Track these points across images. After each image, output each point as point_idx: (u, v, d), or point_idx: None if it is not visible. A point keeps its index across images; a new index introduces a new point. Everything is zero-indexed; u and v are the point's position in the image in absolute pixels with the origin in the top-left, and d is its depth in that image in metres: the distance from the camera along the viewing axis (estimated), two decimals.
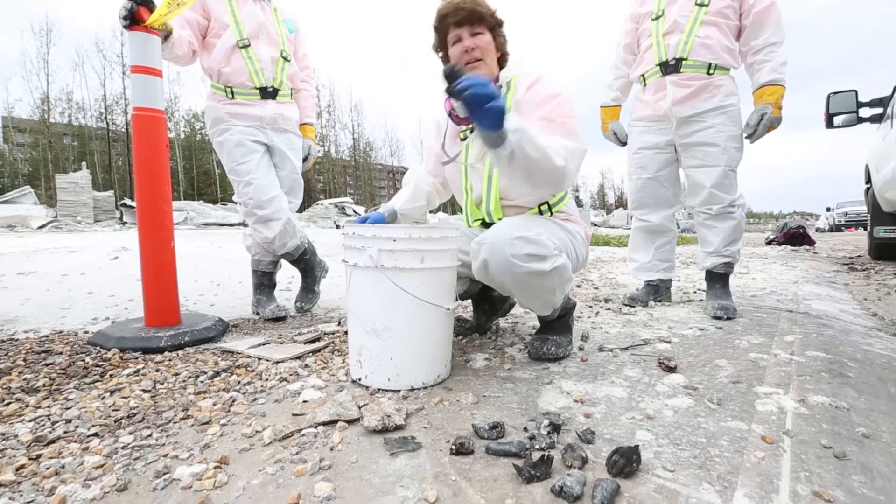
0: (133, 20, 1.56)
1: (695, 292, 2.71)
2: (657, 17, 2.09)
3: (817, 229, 22.18)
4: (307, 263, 2.27)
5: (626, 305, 2.27)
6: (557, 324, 1.47)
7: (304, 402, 1.09)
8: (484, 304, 1.74)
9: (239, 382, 1.25)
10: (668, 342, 1.60)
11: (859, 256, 5.81)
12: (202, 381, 1.26)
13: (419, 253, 1.13)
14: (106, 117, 26.30)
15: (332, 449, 0.88)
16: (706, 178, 2.05)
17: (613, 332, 1.76)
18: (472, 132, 1.45)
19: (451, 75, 1.05)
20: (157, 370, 1.36)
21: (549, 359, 1.38)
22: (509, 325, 1.86)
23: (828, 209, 23.80)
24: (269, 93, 2.05)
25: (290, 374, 1.31)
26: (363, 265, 1.14)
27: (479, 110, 1.01)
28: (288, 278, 3.10)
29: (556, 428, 0.92)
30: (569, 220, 1.50)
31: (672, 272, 2.38)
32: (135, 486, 0.77)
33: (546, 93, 1.32)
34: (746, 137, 2.02)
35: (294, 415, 1.03)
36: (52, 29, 25.36)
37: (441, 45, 1.44)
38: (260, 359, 1.45)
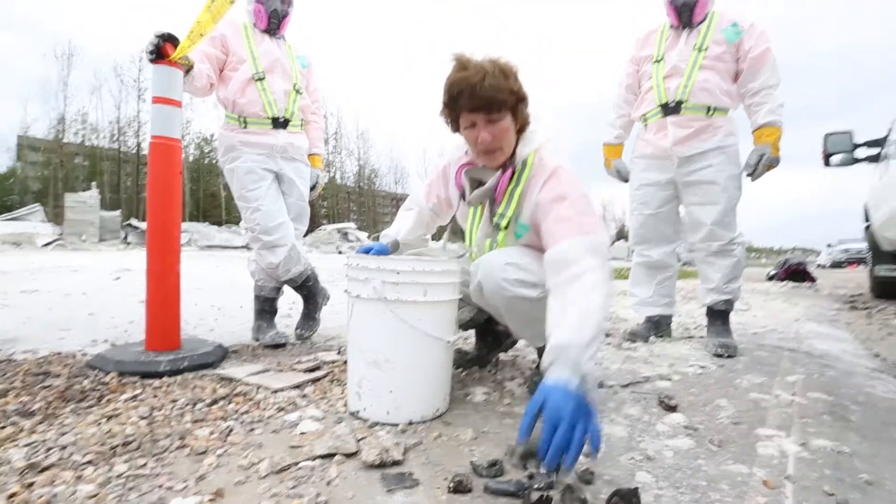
0: (158, 55, 1.64)
1: (696, 328, 2.70)
2: (657, 61, 2.17)
3: (818, 265, 22.13)
4: (310, 290, 2.28)
5: (626, 341, 2.27)
6: None
7: (302, 433, 1.09)
8: (488, 336, 1.74)
9: (237, 411, 1.25)
10: (669, 380, 1.59)
11: (860, 294, 5.79)
12: (200, 409, 1.25)
13: (422, 286, 1.15)
14: (118, 139, 26.90)
15: (328, 483, 0.87)
16: (707, 215, 2.08)
17: (614, 367, 1.75)
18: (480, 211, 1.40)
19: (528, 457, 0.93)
20: (154, 396, 1.36)
21: None
22: (509, 359, 1.86)
23: (828, 245, 23.82)
24: (280, 122, 2.11)
25: (289, 404, 1.30)
26: (366, 296, 1.15)
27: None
28: (289, 304, 3.10)
29: (556, 468, 0.91)
30: None
31: (673, 307, 2.39)
32: None
33: (559, 192, 1.22)
34: (747, 176, 2.06)
35: (291, 447, 1.02)
36: (73, 54, 26.28)
37: (451, 118, 1.29)
38: (259, 387, 1.44)
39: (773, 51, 2.01)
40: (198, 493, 0.83)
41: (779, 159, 1.99)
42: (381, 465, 0.93)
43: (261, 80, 2.04)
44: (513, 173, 1.31)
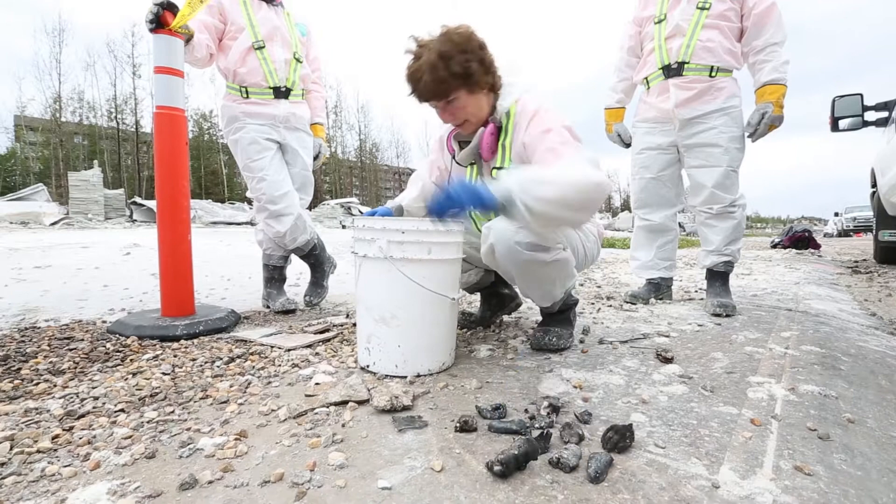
0: (158, 24, 1.64)
1: (696, 291, 2.75)
2: (659, 21, 2.14)
3: (825, 234, 21.95)
4: (316, 259, 2.33)
5: (627, 302, 2.32)
6: (559, 317, 1.52)
7: (317, 384, 1.15)
8: (492, 298, 1.80)
9: (253, 367, 1.31)
10: (667, 336, 1.64)
11: (864, 260, 5.80)
12: (218, 366, 1.32)
13: (426, 245, 1.19)
14: (116, 117, 26.63)
15: (343, 426, 0.94)
16: (708, 178, 2.09)
17: (614, 326, 1.81)
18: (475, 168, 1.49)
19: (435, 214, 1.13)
20: (174, 356, 1.43)
21: (551, 349, 1.43)
22: (513, 320, 1.92)
23: (836, 214, 23.55)
24: (282, 92, 2.12)
25: (302, 361, 1.37)
26: (373, 256, 1.20)
27: (471, 208, 1.09)
28: (297, 274, 3.17)
29: (555, 409, 0.97)
30: None
31: (673, 271, 2.42)
32: (162, 455, 0.83)
33: (543, 128, 1.30)
34: (748, 136, 2.06)
35: (307, 396, 1.09)
36: (64, 29, 25.73)
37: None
38: (272, 347, 1.51)
39: (778, 6, 1.97)
40: (223, 434, 0.90)
41: (782, 118, 1.98)
42: (392, 410, 0.99)
43: (261, 48, 2.04)
44: (498, 128, 1.37)
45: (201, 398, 1.09)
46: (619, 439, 0.82)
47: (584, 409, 0.98)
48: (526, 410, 1.00)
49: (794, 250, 6.96)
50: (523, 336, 1.63)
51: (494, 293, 1.80)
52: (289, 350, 1.47)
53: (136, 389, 1.13)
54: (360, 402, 1.04)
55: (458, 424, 0.91)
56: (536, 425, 0.92)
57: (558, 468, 0.76)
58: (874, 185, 4.96)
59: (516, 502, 0.68)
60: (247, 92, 2.06)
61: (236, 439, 0.88)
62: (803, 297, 2.57)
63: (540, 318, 1.58)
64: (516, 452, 0.75)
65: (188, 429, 0.93)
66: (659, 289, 2.39)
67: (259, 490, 0.71)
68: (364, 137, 41.14)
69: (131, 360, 1.39)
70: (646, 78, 2.23)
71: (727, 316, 1.99)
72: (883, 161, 4.30)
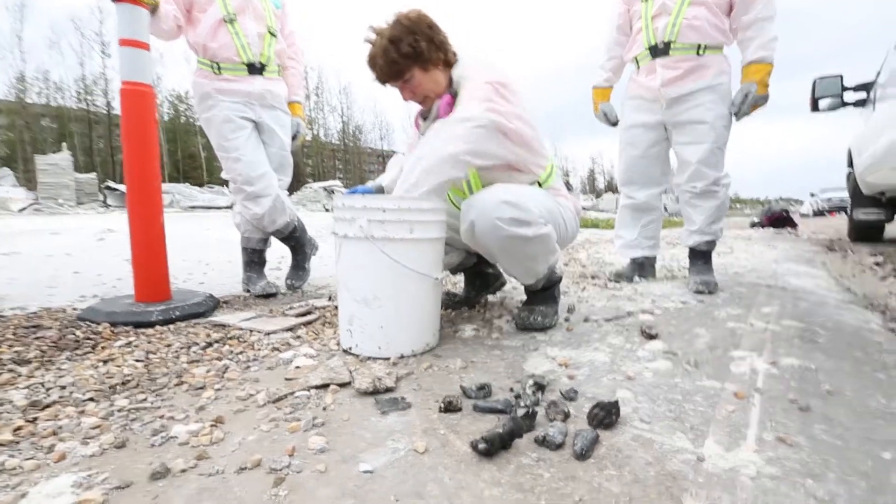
0: None
1: (679, 270, 2.77)
2: (646, 0, 2.09)
3: (801, 214, 22.50)
4: (297, 241, 2.27)
5: (611, 281, 2.33)
6: (543, 295, 1.50)
7: (297, 368, 1.12)
8: (476, 278, 1.78)
9: (231, 352, 1.27)
10: (651, 314, 1.65)
11: (840, 239, 5.95)
12: (195, 351, 1.28)
13: (408, 224, 1.15)
14: (85, 98, 25.51)
15: (324, 409, 0.91)
16: (692, 154, 2.08)
17: (599, 305, 1.81)
18: None
19: None
20: (149, 342, 1.38)
21: (536, 328, 1.42)
22: (497, 299, 1.90)
23: (812, 195, 24.11)
24: (256, 68, 2.02)
25: (282, 345, 1.33)
26: (353, 236, 1.16)
27: None
28: (278, 258, 3.10)
29: (540, 387, 0.96)
30: (559, 195, 1.53)
31: (657, 250, 2.44)
32: (133, 444, 0.79)
33: (468, 86, 1.35)
34: (733, 115, 2.05)
35: (287, 379, 1.06)
36: (25, 4, 24.37)
37: None
38: (251, 331, 1.47)
39: None
40: (198, 420, 0.87)
41: (767, 97, 1.97)
42: (375, 392, 0.97)
43: (231, 21, 1.93)
44: (454, 97, 1.38)
45: (176, 384, 1.05)
46: (605, 416, 0.81)
47: (570, 387, 0.97)
48: (511, 389, 0.99)
49: (772, 229, 7.11)
50: (508, 315, 1.62)
51: (478, 273, 1.78)
52: (269, 334, 1.43)
53: (107, 377, 1.08)
54: (342, 385, 1.01)
55: (442, 405, 0.89)
56: (522, 404, 0.90)
57: (544, 446, 0.75)
58: (850, 165, 5.06)
59: (502, 481, 0.66)
60: (219, 68, 1.96)
61: (212, 426, 0.84)
62: (782, 274, 2.62)
63: (524, 297, 1.57)
64: (501, 431, 0.73)
65: (161, 416, 0.89)
66: (643, 268, 2.40)
67: (235, 477, 0.68)
68: (347, 120, 40.37)
69: (102, 347, 1.34)
70: (635, 57, 2.20)
71: (709, 293, 2.01)
72: (860, 141, 4.38)
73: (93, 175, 11.52)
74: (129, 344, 1.35)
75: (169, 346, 1.34)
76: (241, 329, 1.50)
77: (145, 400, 0.97)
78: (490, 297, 1.94)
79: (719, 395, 0.96)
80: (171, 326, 1.58)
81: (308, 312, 1.68)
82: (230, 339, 1.40)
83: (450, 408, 0.89)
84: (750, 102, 1.96)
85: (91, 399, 0.97)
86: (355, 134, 41.94)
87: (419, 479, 0.67)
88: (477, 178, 1.45)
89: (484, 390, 0.96)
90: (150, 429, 0.84)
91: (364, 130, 43.30)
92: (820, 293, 2.16)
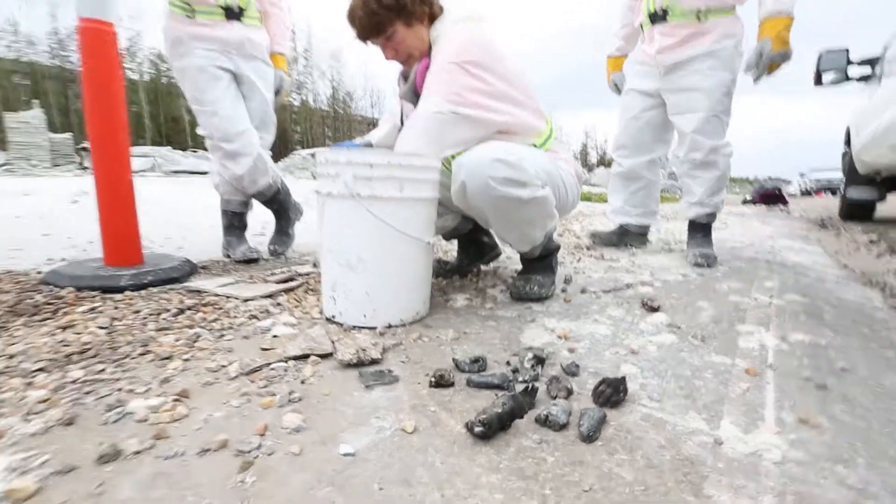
0: None
1: (676, 243, 2.71)
2: None
3: (789, 194, 22.68)
4: (280, 204, 2.15)
5: (592, 241, 2.40)
6: (540, 264, 1.42)
7: (274, 337, 1.03)
8: (471, 246, 1.68)
9: (205, 319, 1.18)
10: (651, 286, 1.58)
11: (830, 218, 5.96)
12: (165, 319, 1.18)
13: (398, 181, 1.04)
14: (59, 53, 24.17)
15: (303, 382, 0.83)
16: (688, 124, 2.00)
17: (596, 276, 1.74)
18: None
19: None
20: (115, 308, 1.27)
21: (532, 298, 1.35)
22: (491, 269, 1.82)
23: (801, 174, 24.22)
24: (234, 13, 1.84)
25: (261, 312, 1.23)
26: (337, 194, 1.05)
27: None
28: (261, 224, 2.97)
29: (539, 361, 0.88)
30: (559, 158, 1.42)
31: (647, 219, 2.42)
32: (83, 421, 0.70)
33: (434, 63, 1.25)
34: (753, 79, 1.92)
35: (263, 349, 0.97)
36: None
37: None
38: (228, 297, 1.37)
39: None
40: (161, 394, 0.78)
41: (786, 54, 1.80)
42: (359, 364, 0.89)
43: None
44: (430, 61, 1.28)
45: (140, 354, 0.96)
46: (613, 393, 0.74)
47: (571, 361, 0.90)
48: (508, 363, 0.91)
49: (764, 206, 7.11)
50: (503, 285, 1.53)
51: (473, 241, 1.68)
52: (246, 300, 1.33)
53: (63, 346, 0.98)
54: (323, 356, 0.93)
55: (432, 379, 0.81)
56: (520, 379, 0.83)
57: (546, 426, 0.68)
58: (848, 143, 5.00)
59: (500, 466, 0.59)
60: (192, 11, 1.78)
61: (175, 400, 0.75)
62: (779, 250, 2.58)
63: (519, 268, 1.49)
64: (500, 411, 0.65)
65: (119, 389, 0.80)
66: (627, 234, 2.40)
67: (196, 460, 0.60)
68: (337, 85, 39.10)
69: (64, 313, 1.23)
70: (640, 24, 2.11)
71: (708, 266, 1.95)
72: (860, 119, 4.29)
73: (68, 135, 11.01)
74: (92, 310, 1.25)
75: (137, 312, 1.23)
76: (217, 295, 1.40)
77: (103, 371, 0.87)
78: (482, 267, 1.86)
79: (730, 371, 0.90)
80: (143, 292, 1.47)
81: (290, 279, 1.58)
82: (204, 305, 1.30)
83: (441, 382, 0.81)
84: (766, 62, 1.82)
85: (42, 370, 0.87)
86: (345, 101, 40.74)
87: (407, 462, 0.60)
88: None
89: (478, 363, 0.88)
90: (105, 404, 0.74)
91: (355, 97, 42.03)
92: (819, 269, 2.12)
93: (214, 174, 2.02)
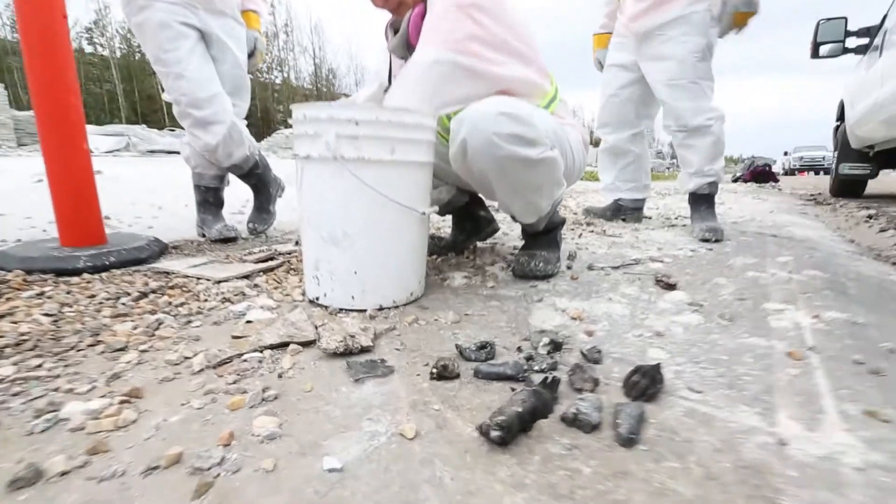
0: None
1: (676, 218, 2.62)
2: None
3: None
4: (259, 179, 1.98)
5: (585, 217, 2.36)
6: (545, 239, 1.30)
7: (249, 323, 0.90)
8: (466, 222, 1.55)
9: (170, 304, 1.03)
10: (661, 262, 1.48)
11: (819, 194, 5.95)
12: (123, 304, 1.03)
13: (388, 142, 0.90)
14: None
15: (280, 376, 0.70)
16: (668, 94, 1.92)
17: (600, 252, 1.63)
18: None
19: None
20: (67, 293, 1.12)
21: (537, 276, 1.22)
22: (488, 246, 1.69)
23: (785, 153, 24.40)
24: None
25: (235, 295, 1.10)
26: (318, 156, 0.90)
27: None
28: (242, 202, 2.79)
29: (556, 346, 0.77)
30: (564, 123, 1.28)
31: (641, 193, 2.37)
32: (3, 430, 0.56)
33: (434, 8, 1.10)
34: (719, 33, 1.85)
35: (234, 338, 0.83)
36: None
37: None
38: (199, 279, 1.22)
39: None
40: (107, 394, 0.64)
41: (752, 3, 1.73)
42: (347, 353, 0.76)
43: None
44: (425, 8, 1.11)
45: (89, 346, 0.82)
46: (649, 384, 0.63)
47: (592, 346, 0.78)
48: (519, 349, 0.79)
49: (755, 184, 7.08)
50: (503, 262, 1.41)
51: (469, 215, 1.55)
52: (219, 282, 1.19)
53: None
54: (305, 344, 0.80)
55: (434, 370, 0.69)
56: (536, 367, 0.71)
57: (575, 426, 0.56)
58: (840, 118, 4.93)
59: (527, 482, 0.47)
60: None
61: (123, 402, 0.62)
62: (782, 225, 2.50)
63: (519, 244, 1.37)
64: (519, 409, 0.54)
65: (56, 389, 0.66)
66: (622, 210, 2.36)
67: (140, 482, 0.47)
68: (319, 62, 37.94)
69: (7, 298, 1.07)
70: None
71: (716, 241, 1.85)
72: (856, 91, 4.20)
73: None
74: (40, 295, 1.09)
75: (92, 297, 1.08)
76: (186, 277, 1.25)
77: (40, 366, 0.73)
78: (479, 244, 1.73)
79: (770, 355, 0.79)
80: (104, 275, 1.32)
81: (270, 258, 1.44)
82: (171, 288, 1.15)
83: (444, 373, 0.69)
84: (729, 12, 1.74)
85: None
86: (329, 78, 39.62)
87: (408, 479, 0.48)
88: None
89: (486, 350, 0.76)
90: (34, 408, 0.61)
91: (338, 75, 40.91)
92: (827, 244, 2.04)
93: (184, 145, 1.85)
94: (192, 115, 1.68)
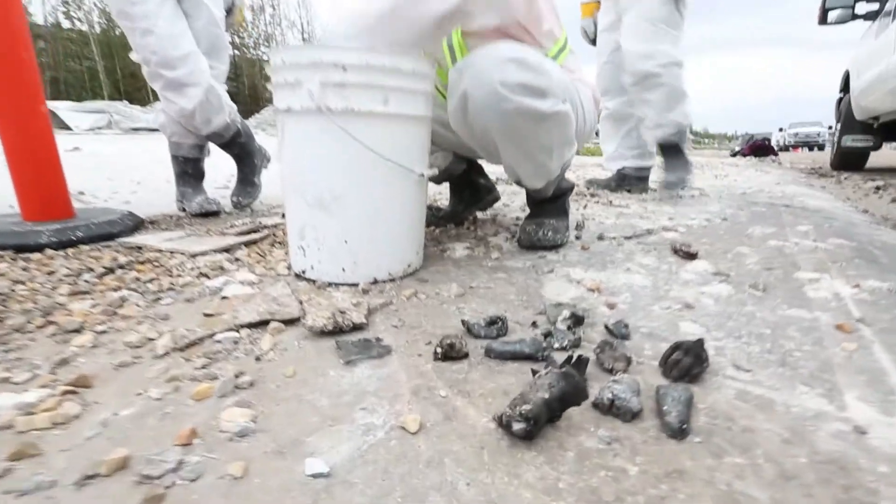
0: None
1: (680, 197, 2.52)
2: None
3: None
4: (242, 148, 1.84)
5: (589, 188, 2.28)
6: (553, 206, 1.19)
7: (224, 299, 0.79)
8: (465, 190, 1.44)
9: (138, 280, 0.92)
10: (675, 231, 1.38)
11: (820, 167, 5.86)
12: (85, 280, 0.92)
13: (381, 91, 0.78)
14: None
15: (258, 359, 0.60)
16: (625, 41, 1.87)
17: (609, 222, 1.53)
18: None
19: None
20: (23, 269, 1.00)
21: (546, 246, 1.12)
22: (488, 216, 1.59)
23: (780, 129, 24.25)
24: None
25: (213, 269, 0.98)
26: (300, 109, 0.78)
27: None
28: (227, 177, 2.65)
29: (578, 321, 0.67)
30: (574, 78, 1.16)
31: (645, 160, 2.27)
32: None
33: None
34: None
35: (206, 315, 0.73)
36: None
37: None
38: (173, 253, 1.11)
39: None
40: (48, 384, 0.54)
41: None
42: (336, 332, 0.66)
43: None
44: None
45: (39, 327, 0.71)
46: (694, 363, 0.53)
47: (618, 320, 0.68)
48: (534, 324, 0.69)
49: (754, 158, 6.99)
50: (506, 233, 1.31)
51: (468, 183, 1.43)
52: (195, 256, 1.07)
53: None
54: (288, 322, 0.69)
55: (438, 349, 0.59)
56: (556, 345, 0.62)
57: (612, 414, 0.47)
58: (843, 89, 4.80)
59: (561, 487, 0.38)
60: None
61: (67, 392, 0.52)
62: (793, 195, 2.40)
63: (521, 214, 1.26)
64: (546, 396, 0.44)
65: None
66: (627, 179, 2.27)
67: (70, 496, 0.37)
68: (308, 37, 36.85)
69: None
70: None
71: (682, 189, 1.88)
72: (862, 60, 4.07)
73: None
74: None
75: (51, 273, 0.97)
76: (159, 251, 1.14)
77: None
78: (479, 214, 1.62)
79: (817, 328, 0.70)
80: (70, 251, 1.20)
81: (254, 230, 1.32)
82: (141, 263, 1.04)
83: (451, 353, 0.59)
84: None
85: None
86: None
87: (413, 486, 0.38)
88: (464, 48, 1.06)
89: (497, 325, 0.66)
90: None
91: None
92: (842, 213, 1.95)
93: (159, 112, 1.70)
94: (164, 76, 1.53)
